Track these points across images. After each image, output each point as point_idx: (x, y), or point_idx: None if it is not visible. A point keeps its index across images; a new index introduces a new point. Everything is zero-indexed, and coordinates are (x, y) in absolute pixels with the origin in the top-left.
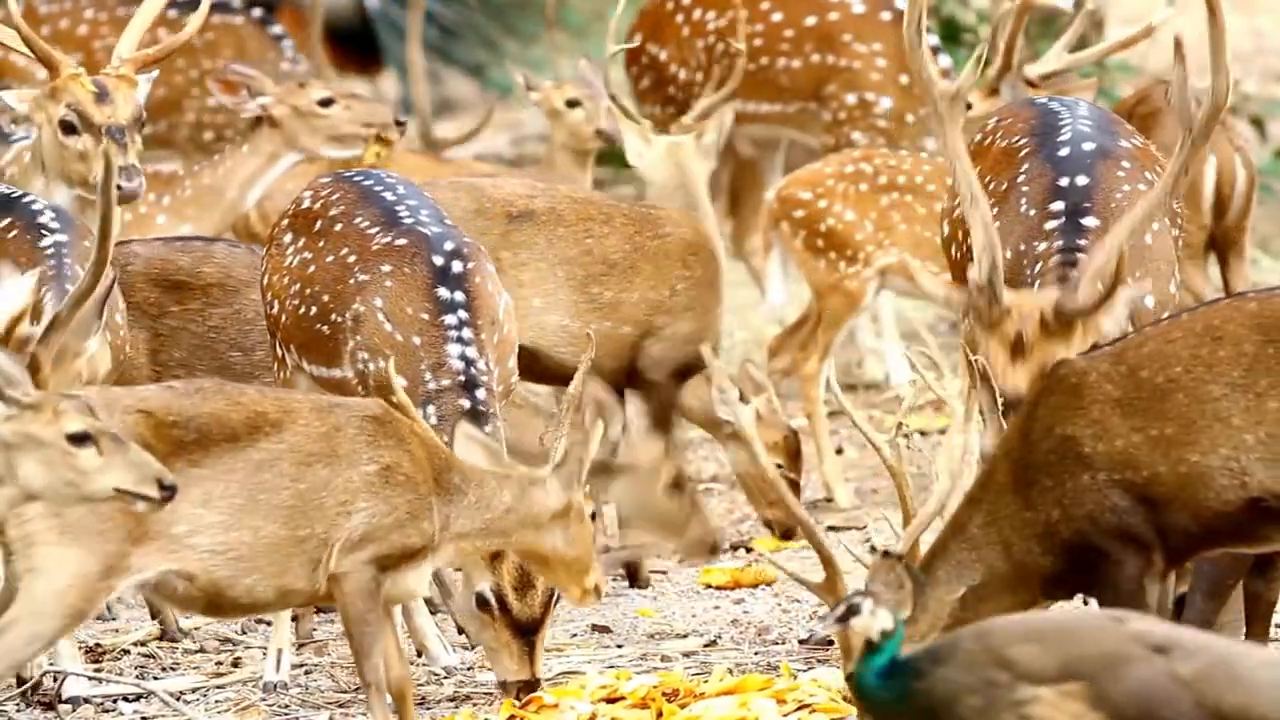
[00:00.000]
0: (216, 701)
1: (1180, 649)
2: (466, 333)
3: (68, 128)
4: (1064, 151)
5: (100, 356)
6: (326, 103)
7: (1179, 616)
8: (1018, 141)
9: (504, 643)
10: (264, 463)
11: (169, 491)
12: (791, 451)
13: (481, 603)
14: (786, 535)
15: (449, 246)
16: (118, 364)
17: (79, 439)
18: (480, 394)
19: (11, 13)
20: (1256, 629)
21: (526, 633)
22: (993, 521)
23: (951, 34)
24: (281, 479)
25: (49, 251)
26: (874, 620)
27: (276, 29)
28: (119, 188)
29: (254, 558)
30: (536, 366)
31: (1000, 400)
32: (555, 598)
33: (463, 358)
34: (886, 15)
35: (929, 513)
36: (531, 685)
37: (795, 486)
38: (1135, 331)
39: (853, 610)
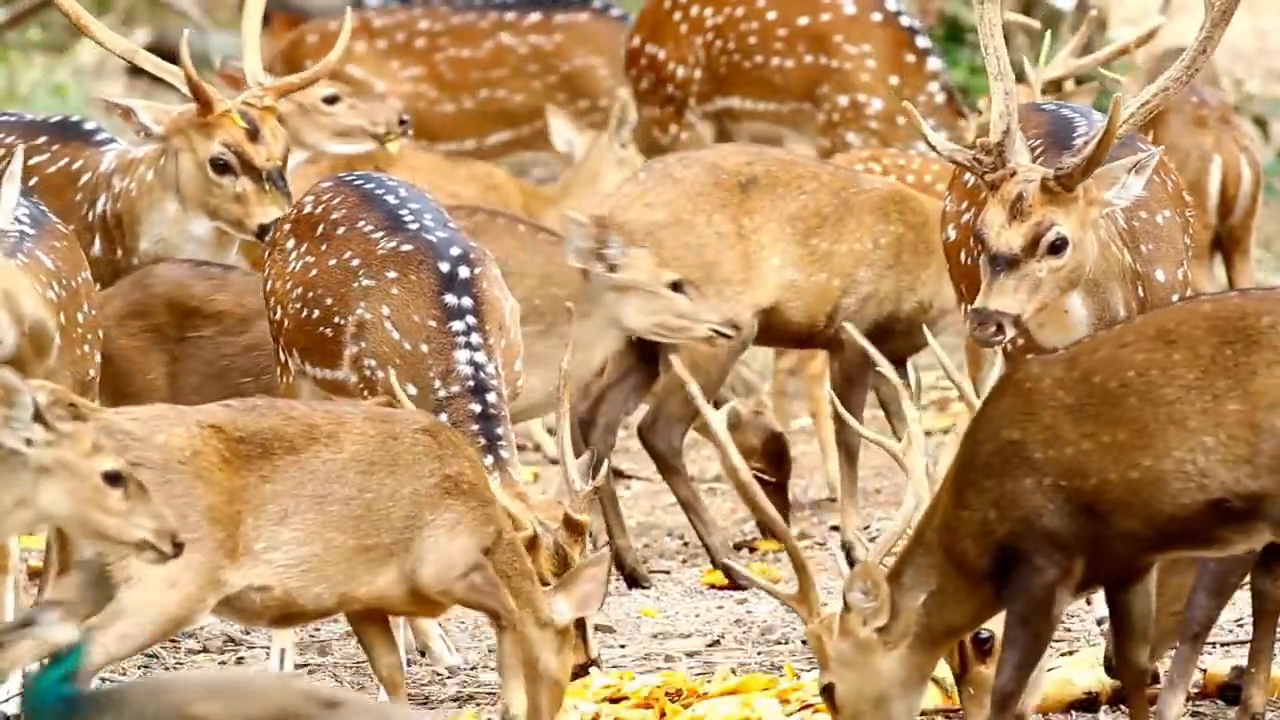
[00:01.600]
0: None
1: (347, 706)
2: (475, 338)
3: (221, 167)
4: None
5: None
6: (331, 100)
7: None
8: (1033, 143)
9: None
10: (330, 475)
11: (178, 550)
12: (772, 455)
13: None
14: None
15: (455, 252)
16: (81, 383)
17: (113, 479)
18: (490, 397)
19: (184, 59)
20: (1263, 630)
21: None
22: (944, 526)
23: (954, 34)
24: (348, 489)
25: (10, 237)
26: (51, 633)
27: (618, 11)
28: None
29: (324, 568)
30: (774, 326)
31: (993, 259)
32: None
33: (471, 363)
34: (877, 16)
35: (895, 530)
36: (586, 667)
37: (780, 489)
38: (1090, 336)
39: (28, 621)
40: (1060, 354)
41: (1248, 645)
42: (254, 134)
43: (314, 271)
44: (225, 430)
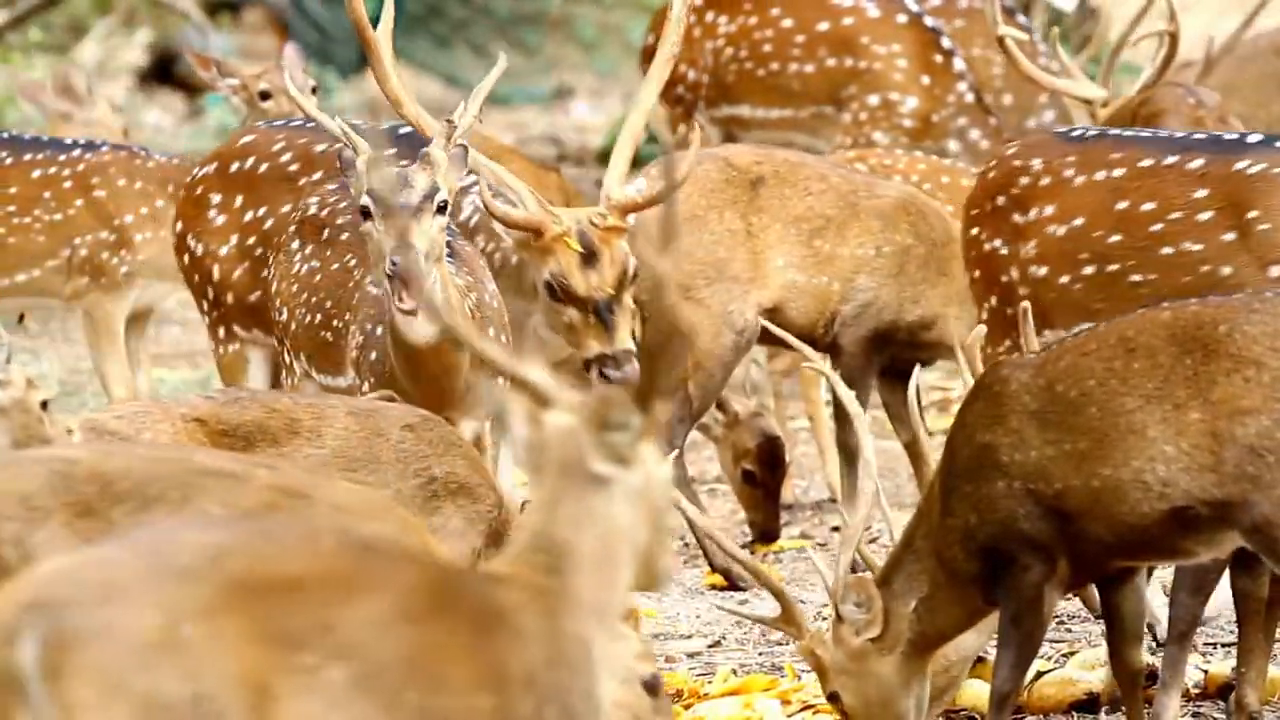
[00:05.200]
0: None
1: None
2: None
3: (552, 293)
4: None
5: None
6: (265, 95)
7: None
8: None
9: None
10: (310, 469)
11: None
12: (766, 457)
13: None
14: (765, 539)
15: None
16: None
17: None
18: None
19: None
20: (1249, 629)
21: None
22: (930, 533)
23: None
24: None
25: None
26: None
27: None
28: (604, 376)
29: None
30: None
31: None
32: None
33: None
34: (902, 18)
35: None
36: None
37: (774, 493)
38: (1058, 342)
39: None
40: (1031, 358)
41: None
42: (588, 258)
43: (319, 276)
44: (208, 423)
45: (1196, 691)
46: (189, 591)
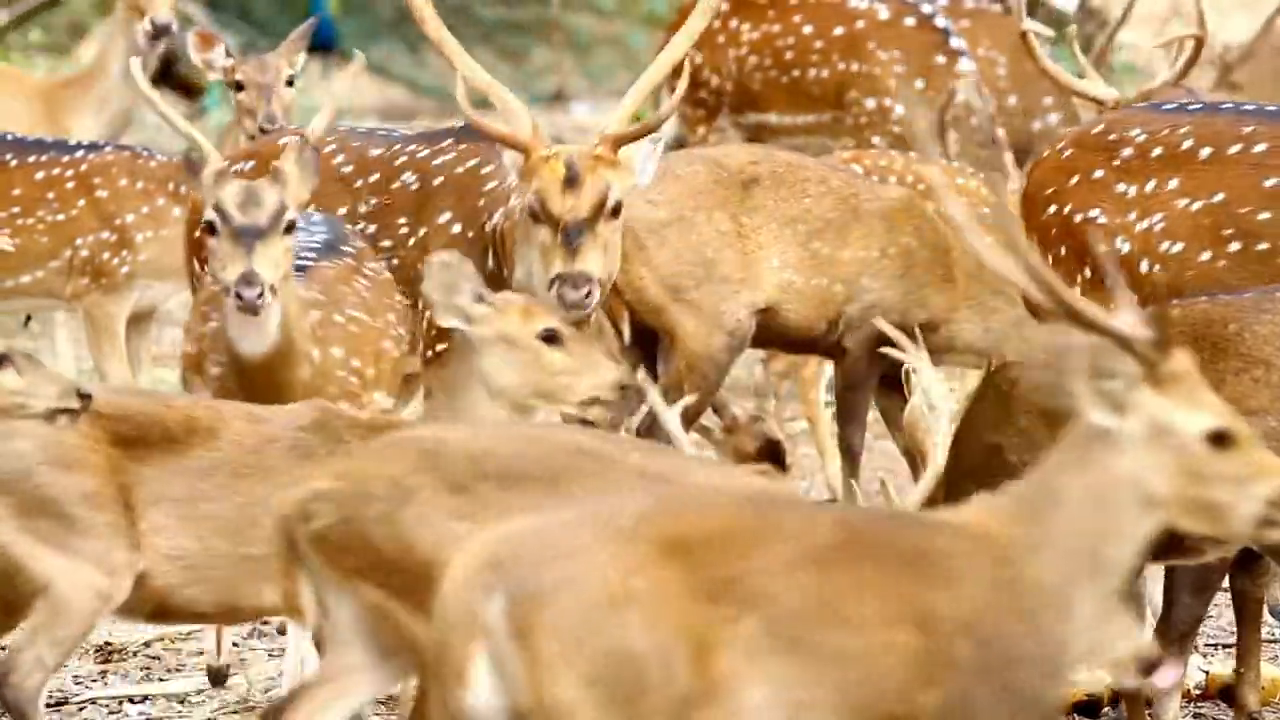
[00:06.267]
0: (222, 704)
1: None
2: None
3: (531, 211)
4: None
5: None
6: (239, 86)
7: (1167, 616)
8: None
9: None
10: (202, 471)
11: (88, 399)
12: (767, 460)
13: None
14: None
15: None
16: None
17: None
18: None
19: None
20: (1247, 629)
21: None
22: None
23: None
24: (221, 491)
25: None
26: None
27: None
28: (561, 298)
29: (202, 569)
30: (771, 328)
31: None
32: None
33: None
34: (911, 20)
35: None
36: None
37: None
38: None
39: None
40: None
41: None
42: (570, 181)
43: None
44: (105, 413)
45: (1197, 692)
46: (630, 549)
